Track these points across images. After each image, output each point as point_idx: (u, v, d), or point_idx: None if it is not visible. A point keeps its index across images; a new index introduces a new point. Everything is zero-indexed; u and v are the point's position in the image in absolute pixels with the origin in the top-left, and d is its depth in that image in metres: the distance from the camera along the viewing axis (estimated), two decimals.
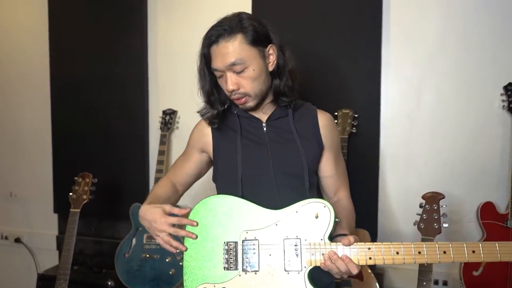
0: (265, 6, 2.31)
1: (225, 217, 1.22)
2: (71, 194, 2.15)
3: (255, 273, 1.17)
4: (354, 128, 2.14)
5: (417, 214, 1.70)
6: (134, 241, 2.37)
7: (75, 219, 2.10)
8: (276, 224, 1.19)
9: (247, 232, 1.20)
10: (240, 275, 1.17)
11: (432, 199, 1.66)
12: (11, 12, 2.81)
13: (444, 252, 1.09)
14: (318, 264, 1.15)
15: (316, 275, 1.19)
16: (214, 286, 1.18)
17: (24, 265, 2.85)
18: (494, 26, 2.07)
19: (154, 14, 2.53)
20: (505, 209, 1.98)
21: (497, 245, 1.07)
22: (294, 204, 1.20)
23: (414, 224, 1.69)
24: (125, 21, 2.55)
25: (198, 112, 1.39)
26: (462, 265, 1.94)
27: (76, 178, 2.19)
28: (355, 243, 1.13)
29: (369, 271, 2.01)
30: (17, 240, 2.83)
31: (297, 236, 1.17)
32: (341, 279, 1.25)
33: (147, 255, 2.32)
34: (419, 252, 1.10)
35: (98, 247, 2.70)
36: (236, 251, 1.19)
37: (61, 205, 2.72)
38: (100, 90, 2.61)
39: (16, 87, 2.84)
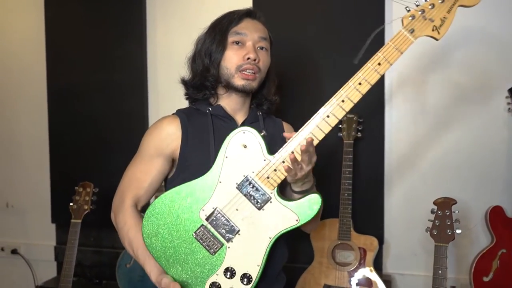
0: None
1: (175, 212, 1.16)
2: (71, 204, 2.10)
3: (239, 234, 1.13)
4: (359, 133, 2.11)
5: (429, 220, 1.67)
6: None
7: (76, 230, 2.05)
8: (220, 182, 1.14)
9: (203, 210, 1.14)
10: (229, 247, 1.13)
11: (444, 205, 1.64)
12: (7, 19, 2.74)
13: (359, 84, 1.22)
14: (278, 181, 1.12)
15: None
16: (217, 274, 1.13)
17: (21, 277, 2.77)
18: (500, 29, 2.06)
19: (153, 20, 2.49)
20: None
21: (390, 43, 1.17)
22: (219, 155, 1.15)
23: (426, 230, 1.67)
24: (124, 28, 2.49)
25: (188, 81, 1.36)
26: (472, 270, 1.91)
27: (77, 187, 2.14)
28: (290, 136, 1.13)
29: (377, 277, 1.99)
30: (14, 252, 2.75)
31: (244, 175, 1.13)
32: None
33: None
34: (343, 101, 1.19)
35: (98, 257, 2.63)
36: (209, 233, 1.14)
37: (58, 215, 2.65)
38: (98, 97, 2.55)
39: (12, 95, 2.77)
